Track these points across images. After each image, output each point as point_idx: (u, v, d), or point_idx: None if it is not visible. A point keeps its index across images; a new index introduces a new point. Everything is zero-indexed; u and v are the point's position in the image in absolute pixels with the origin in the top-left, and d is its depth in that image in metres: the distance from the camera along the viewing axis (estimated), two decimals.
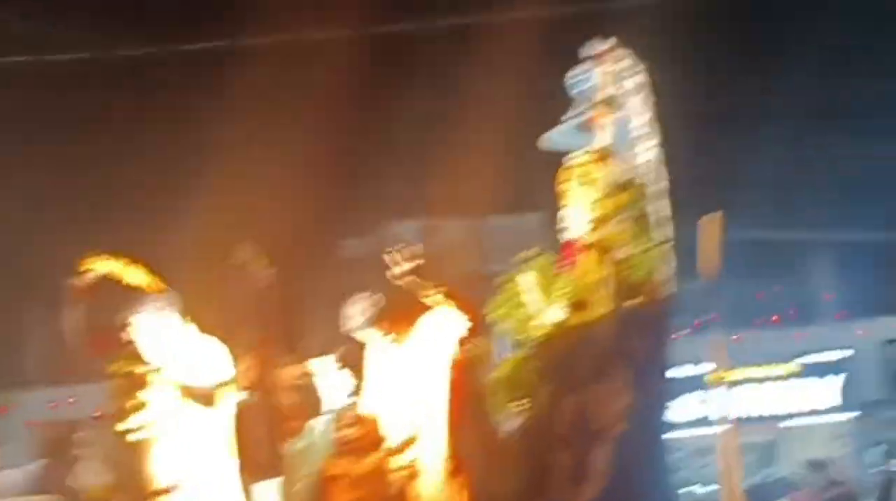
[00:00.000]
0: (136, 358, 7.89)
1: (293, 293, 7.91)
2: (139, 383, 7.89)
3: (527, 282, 9.06)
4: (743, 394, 20.48)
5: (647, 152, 8.61)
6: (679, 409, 18.03)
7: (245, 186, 13.44)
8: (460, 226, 19.45)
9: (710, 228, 8.01)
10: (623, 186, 8.69)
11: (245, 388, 7.67)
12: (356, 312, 8.14)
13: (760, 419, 20.91)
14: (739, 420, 20.19)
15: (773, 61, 17.83)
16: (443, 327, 8.18)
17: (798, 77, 17.35)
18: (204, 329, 7.88)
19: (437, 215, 18.50)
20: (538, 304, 8.97)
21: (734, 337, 20.18)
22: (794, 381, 21.26)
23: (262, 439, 7.52)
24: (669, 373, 8.45)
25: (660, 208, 8.50)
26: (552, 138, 9.52)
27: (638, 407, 8.25)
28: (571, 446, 8.33)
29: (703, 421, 14.20)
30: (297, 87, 15.12)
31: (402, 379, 8.08)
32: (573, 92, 9.28)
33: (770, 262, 19.92)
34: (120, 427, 7.80)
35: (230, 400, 7.72)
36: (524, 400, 8.75)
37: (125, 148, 15.32)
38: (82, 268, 7.81)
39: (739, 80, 17.70)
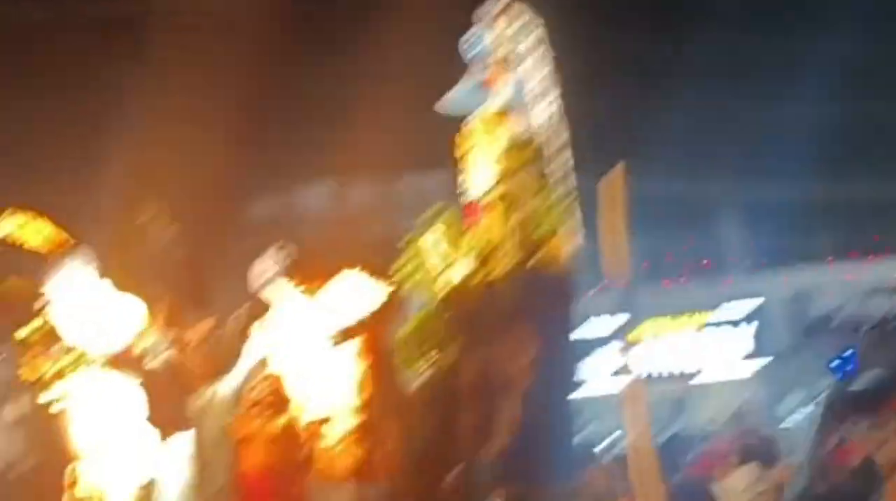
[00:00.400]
0: (48, 322, 7.84)
1: (199, 252, 7.87)
2: (52, 348, 7.85)
3: (432, 240, 9.13)
4: (656, 348, 20.74)
5: (547, 108, 8.67)
6: (593, 364, 18.37)
7: (154, 146, 13.32)
8: (370, 189, 19.49)
9: (614, 184, 8.06)
10: (523, 143, 8.76)
11: (153, 347, 7.66)
12: (267, 267, 8.13)
13: (674, 372, 21.18)
14: (652, 374, 20.69)
15: (679, 14, 17.92)
16: (351, 289, 8.21)
17: (705, 29, 17.47)
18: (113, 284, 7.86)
19: (347, 177, 18.52)
20: (443, 262, 9.04)
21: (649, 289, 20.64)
22: (706, 333, 21.51)
23: (173, 398, 7.51)
24: (579, 329, 8.58)
25: (561, 164, 8.57)
26: (450, 100, 9.55)
27: (542, 363, 8.33)
28: (476, 402, 8.41)
29: (617, 376, 14.38)
30: (206, 48, 14.96)
31: (312, 338, 8.11)
32: (469, 55, 9.32)
33: (681, 215, 20.09)
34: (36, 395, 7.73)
35: (142, 360, 7.73)
36: (430, 357, 8.84)
37: (30, 105, 15.07)
38: None
39: (645, 34, 17.75)
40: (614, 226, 7.96)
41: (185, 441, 7.56)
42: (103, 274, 7.69)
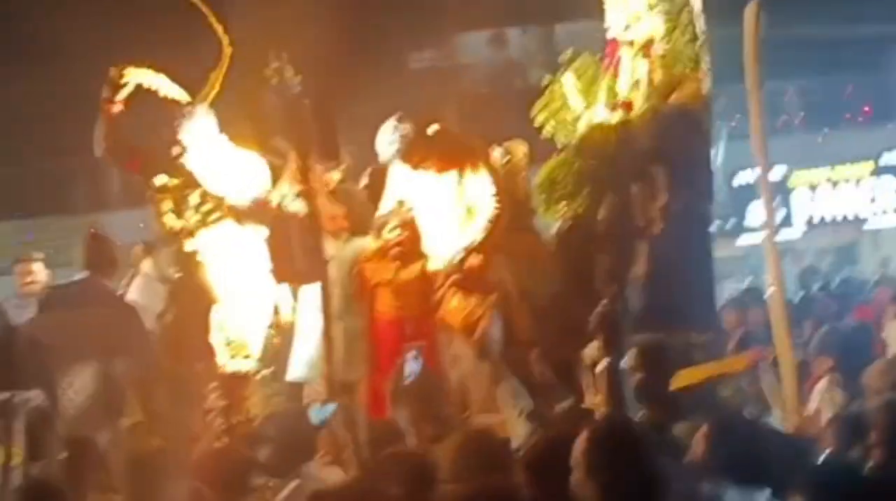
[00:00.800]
0: (181, 173, 7.98)
1: (330, 103, 7.85)
2: (185, 198, 8.00)
3: (569, 84, 9.02)
4: (820, 196, 20.27)
5: None
6: (750, 213, 18.04)
7: None
8: (527, 35, 19.20)
9: (749, 19, 7.80)
10: None
11: (284, 196, 7.74)
12: (384, 142, 8.13)
13: (840, 219, 20.68)
14: (815, 222, 20.24)
15: None
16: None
17: None
18: (239, 141, 7.95)
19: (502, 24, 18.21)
20: (581, 105, 8.94)
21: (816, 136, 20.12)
22: (873, 180, 20.88)
23: (303, 246, 7.59)
24: (712, 173, 8.41)
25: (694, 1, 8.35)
26: None
27: (678, 207, 8.23)
28: (612, 246, 8.36)
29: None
30: None
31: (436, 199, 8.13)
32: None
33: (842, 59, 19.34)
34: (171, 244, 7.90)
35: (271, 210, 7.84)
36: (565, 202, 8.78)
37: None
38: (116, 80, 7.86)
39: None
40: (750, 62, 7.69)
41: (317, 288, 7.66)
42: (232, 126, 7.79)
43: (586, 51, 9.07)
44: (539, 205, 8.85)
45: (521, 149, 8.87)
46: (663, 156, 8.23)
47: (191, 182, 7.93)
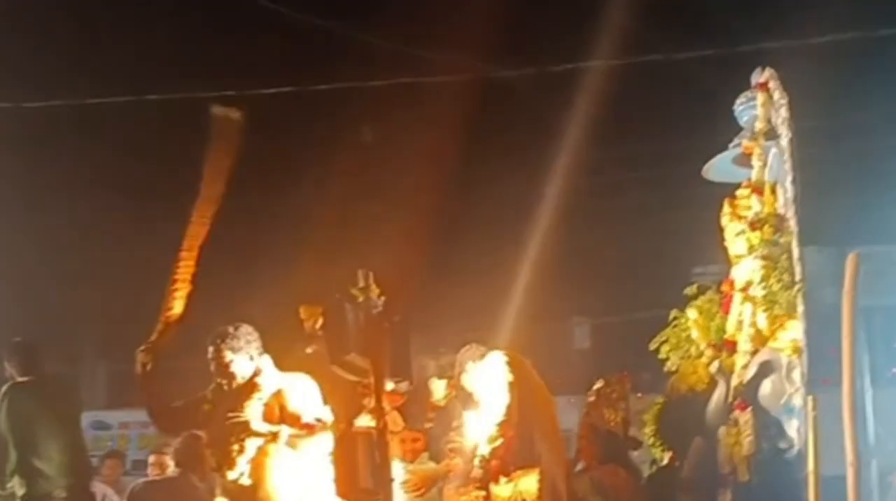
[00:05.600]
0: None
1: (406, 324, 7.94)
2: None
3: (692, 319, 8.94)
4: None
5: (791, 187, 8.30)
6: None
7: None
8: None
9: (850, 268, 7.60)
10: (762, 221, 8.43)
11: (353, 416, 7.76)
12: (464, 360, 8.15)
13: None
14: None
15: None
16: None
17: None
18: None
19: None
20: (702, 341, 8.84)
21: None
22: None
23: (370, 463, 7.59)
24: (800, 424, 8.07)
25: (794, 246, 8.17)
26: (714, 167, 9.35)
27: (765, 456, 7.94)
28: (696, 491, 8.10)
29: None
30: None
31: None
32: (742, 120, 9.11)
33: None
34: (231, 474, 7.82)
35: (330, 435, 7.82)
36: (659, 443, 8.62)
37: None
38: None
39: None
40: (847, 314, 7.47)
41: None
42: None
43: (711, 287, 9.01)
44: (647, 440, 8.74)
45: (623, 381, 8.76)
46: (752, 402, 7.99)
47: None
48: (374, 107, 15.07)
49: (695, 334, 8.86)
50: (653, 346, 9.00)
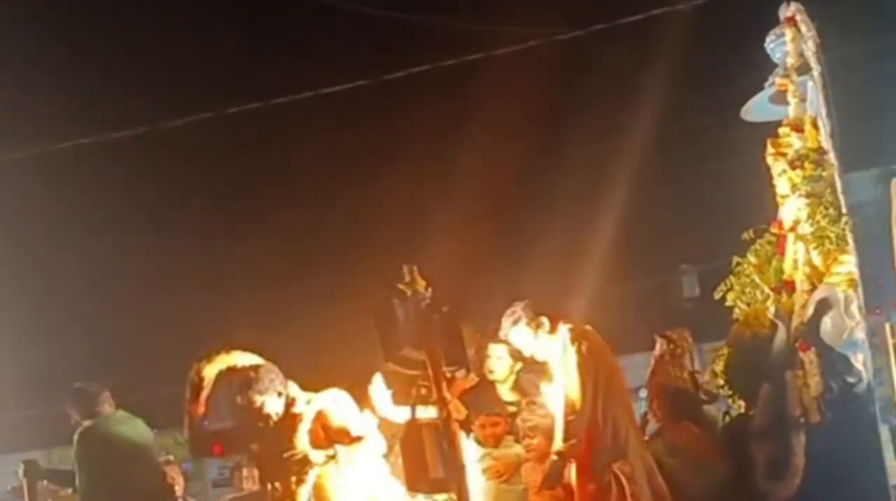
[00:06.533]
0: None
1: (460, 312, 7.98)
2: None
3: (752, 264, 8.86)
4: None
5: (827, 121, 8.16)
6: None
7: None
8: None
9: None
10: (802, 157, 8.31)
11: (416, 406, 7.81)
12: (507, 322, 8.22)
13: None
14: None
15: None
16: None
17: None
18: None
19: None
20: (762, 286, 8.76)
21: None
22: None
23: (439, 453, 7.63)
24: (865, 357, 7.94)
25: (838, 180, 8.04)
26: (753, 108, 9.24)
27: (834, 394, 7.84)
28: (769, 437, 8.01)
29: None
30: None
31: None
32: (775, 57, 8.97)
33: None
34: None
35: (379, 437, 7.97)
36: (732, 393, 8.54)
37: None
38: (196, 381, 7.92)
39: None
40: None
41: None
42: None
43: (767, 230, 8.91)
44: (724, 391, 8.68)
45: (685, 335, 8.71)
46: (815, 342, 7.90)
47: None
48: (445, 89, 15.12)
49: (757, 278, 8.78)
50: (718, 295, 8.92)
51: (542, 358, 8.36)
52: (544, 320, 8.19)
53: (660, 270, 19.85)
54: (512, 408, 8.83)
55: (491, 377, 8.96)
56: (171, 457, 10.02)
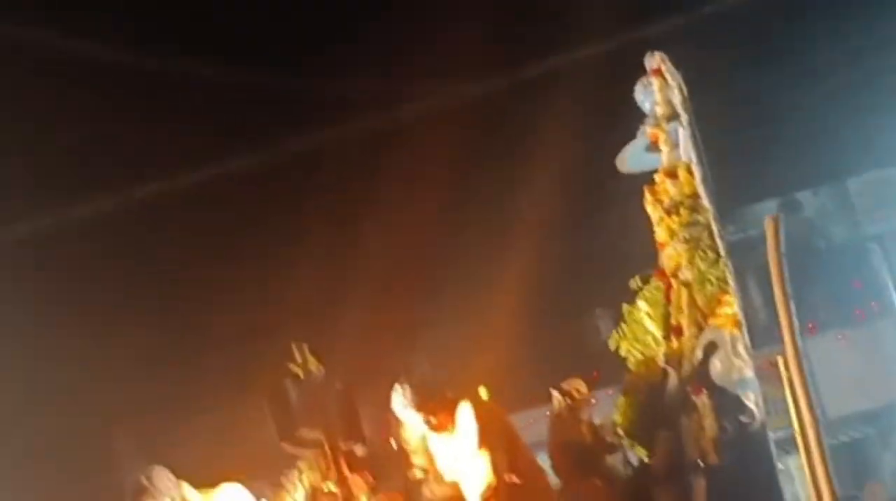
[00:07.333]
0: None
1: (350, 388, 8.04)
2: None
3: (644, 311, 8.94)
4: None
5: (699, 167, 8.29)
6: None
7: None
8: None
9: (770, 232, 7.62)
10: (678, 204, 8.44)
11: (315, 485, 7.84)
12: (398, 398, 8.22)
13: None
14: None
15: None
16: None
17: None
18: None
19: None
20: (658, 332, 8.84)
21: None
22: None
23: None
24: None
25: (714, 223, 8.16)
26: (626, 159, 9.35)
27: (730, 435, 7.93)
28: (670, 482, 8.09)
29: None
30: None
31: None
32: (645, 107, 9.10)
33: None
34: None
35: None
36: (634, 441, 8.60)
37: None
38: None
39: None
40: (775, 276, 7.49)
41: None
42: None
43: (653, 278, 9.00)
44: (626, 443, 8.73)
45: (579, 387, 8.78)
46: (706, 384, 7.99)
47: None
48: (344, 157, 15.09)
49: (650, 325, 8.86)
50: (612, 345, 8.99)
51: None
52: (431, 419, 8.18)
53: (576, 315, 19.93)
54: (419, 473, 8.84)
55: (406, 447, 8.95)
56: None
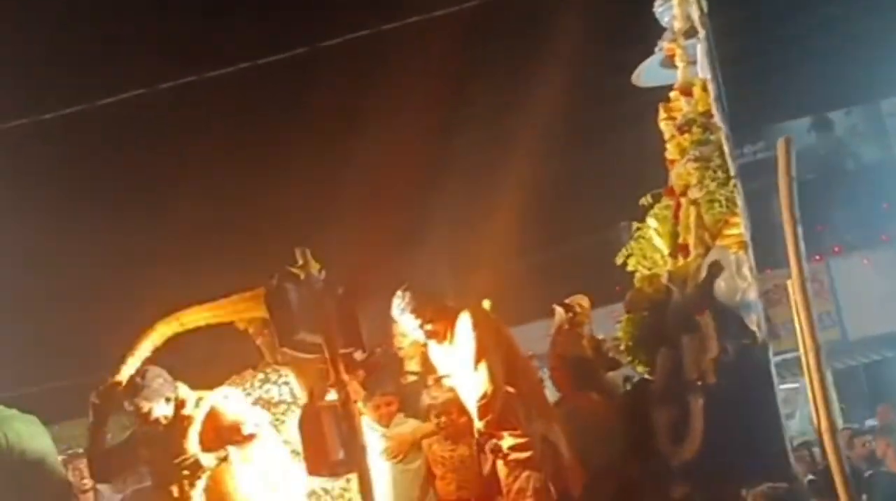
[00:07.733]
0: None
1: (351, 294, 7.97)
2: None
3: (653, 228, 8.90)
4: None
5: (712, 86, 8.17)
6: None
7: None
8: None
9: (781, 154, 7.50)
10: (690, 122, 8.34)
11: (318, 391, 7.83)
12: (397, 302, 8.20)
13: None
14: None
15: None
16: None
17: None
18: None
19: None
20: (666, 249, 8.81)
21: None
22: None
23: (339, 436, 7.64)
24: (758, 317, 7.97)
25: (725, 143, 8.06)
26: (642, 73, 9.26)
27: (730, 356, 7.88)
28: (668, 401, 8.06)
29: None
30: None
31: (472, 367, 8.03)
32: (663, 21, 8.99)
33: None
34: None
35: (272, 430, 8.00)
36: (635, 357, 8.57)
37: None
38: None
39: None
40: (785, 196, 7.40)
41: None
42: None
43: (664, 195, 8.93)
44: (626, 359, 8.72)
45: (582, 303, 8.75)
46: (709, 304, 7.94)
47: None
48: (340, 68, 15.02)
49: (658, 242, 8.82)
50: (619, 260, 8.97)
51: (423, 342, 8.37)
52: (428, 326, 8.16)
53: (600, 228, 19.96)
54: (412, 378, 8.86)
55: (401, 353, 8.99)
56: (80, 450, 9.83)
